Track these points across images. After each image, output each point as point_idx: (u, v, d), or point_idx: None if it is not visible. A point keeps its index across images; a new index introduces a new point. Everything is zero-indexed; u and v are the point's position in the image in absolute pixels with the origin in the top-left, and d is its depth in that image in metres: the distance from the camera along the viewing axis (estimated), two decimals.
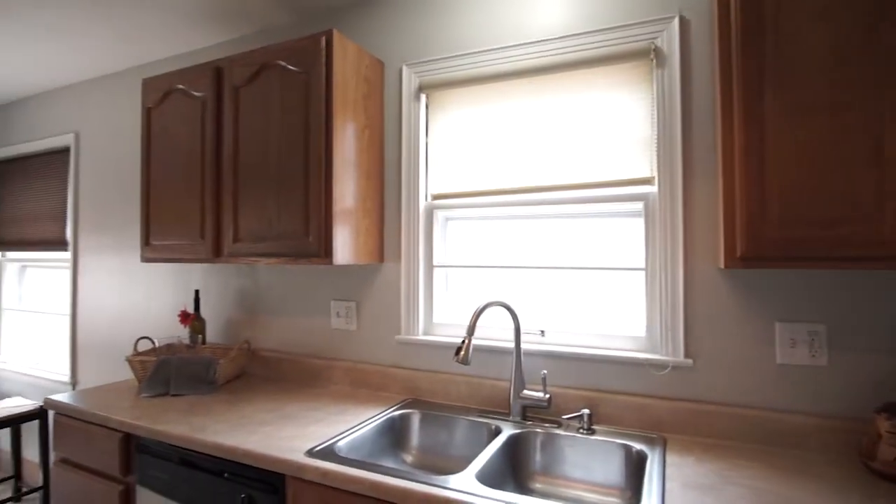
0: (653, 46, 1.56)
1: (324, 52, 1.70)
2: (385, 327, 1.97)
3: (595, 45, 1.64)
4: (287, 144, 1.76)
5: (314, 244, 1.68)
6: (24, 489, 2.92)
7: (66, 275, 3.18)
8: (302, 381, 2.11)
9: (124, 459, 1.65)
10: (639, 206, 1.62)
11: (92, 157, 2.96)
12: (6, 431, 3.32)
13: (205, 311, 2.44)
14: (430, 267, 1.92)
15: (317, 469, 1.24)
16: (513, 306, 1.60)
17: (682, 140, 1.53)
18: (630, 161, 1.60)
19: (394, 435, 1.65)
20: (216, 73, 1.95)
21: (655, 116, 1.56)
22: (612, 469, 1.41)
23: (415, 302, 1.90)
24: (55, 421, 1.84)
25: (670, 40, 1.54)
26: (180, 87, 2.04)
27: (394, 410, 1.70)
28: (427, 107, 1.93)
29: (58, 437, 1.84)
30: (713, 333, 1.48)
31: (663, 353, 1.53)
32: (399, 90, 1.97)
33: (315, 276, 2.14)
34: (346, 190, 1.76)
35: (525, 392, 1.58)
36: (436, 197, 1.91)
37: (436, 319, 1.91)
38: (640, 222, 1.64)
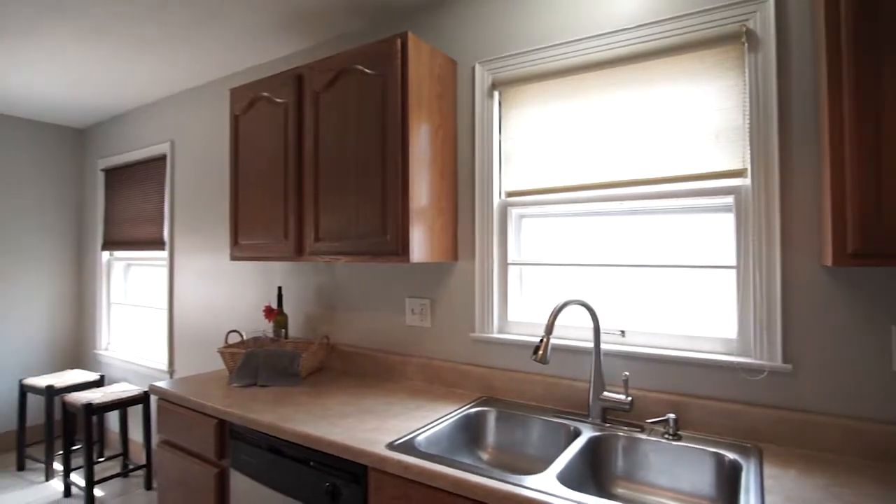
0: (744, 29, 1.45)
1: (399, 54, 1.73)
2: (459, 325, 1.98)
3: (677, 31, 1.55)
4: (365, 146, 1.81)
5: (392, 243, 1.72)
6: (131, 466, 3.22)
7: (164, 272, 3.47)
8: (378, 376, 2.17)
9: (219, 444, 1.78)
10: (728, 200, 1.53)
11: (185, 162, 3.20)
12: (115, 413, 3.68)
13: (286, 307, 2.57)
14: (504, 265, 1.91)
15: (398, 462, 1.27)
16: (592, 305, 1.55)
17: (779, 128, 1.42)
18: (717, 153, 1.51)
19: (470, 432, 1.66)
20: (297, 79, 2.04)
21: (748, 104, 1.46)
22: (701, 478, 1.34)
23: (489, 300, 1.90)
24: (159, 406, 2.01)
25: (764, 21, 1.43)
26: (265, 94, 2.15)
27: (470, 408, 1.70)
28: (500, 104, 1.92)
29: (161, 421, 2.00)
30: (816, 336, 1.36)
31: (757, 357, 1.43)
32: (472, 88, 1.97)
33: (390, 274, 2.19)
34: (422, 189, 1.79)
35: (605, 394, 1.53)
36: (510, 194, 1.90)
37: (510, 318, 1.90)
38: (729, 217, 1.54)
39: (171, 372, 3.25)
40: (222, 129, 2.96)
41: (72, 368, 4.06)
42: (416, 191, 1.76)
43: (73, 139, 4.12)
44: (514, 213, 1.92)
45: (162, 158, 3.39)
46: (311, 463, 1.49)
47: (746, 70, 1.46)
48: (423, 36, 2.12)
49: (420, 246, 1.77)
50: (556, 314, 1.46)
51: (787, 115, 1.41)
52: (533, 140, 1.84)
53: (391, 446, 1.35)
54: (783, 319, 1.40)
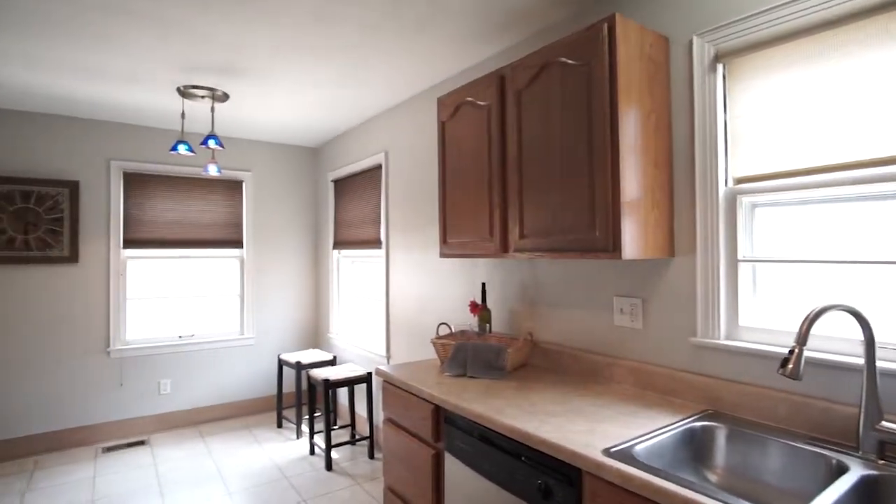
0: None
1: (606, 40, 1.64)
2: (676, 328, 1.80)
3: None
4: (569, 139, 1.76)
5: (601, 238, 1.64)
6: (357, 436, 3.71)
7: (381, 268, 3.91)
8: (582, 376, 2.10)
9: (435, 427, 1.92)
10: None
11: (397, 170, 3.55)
12: (344, 389, 4.28)
13: (489, 302, 2.66)
14: (732, 261, 1.67)
15: (618, 471, 1.20)
16: (862, 312, 1.26)
17: None
18: None
19: (694, 448, 1.49)
20: (499, 81, 2.08)
21: None
22: None
23: (714, 301, 1.68)
24: (384, 387, 2.26)
25: None
26: (468, 99, 2.25)
27: (693, 420, 1.53)
28: (724, 78, 1.69)
29: (385, 401, 2.24)
30: None
31: None
32: (689, 65, 1.77)
33: (595, 271, 2.10)
34: (633, 180, 1.66)
35: (884, 423, 1.23)
36: (739, 181, 1.65)
37: (741, 322, 1.65)
38: None
39: (387, 357, 3.65)
40: (429, 137, 3.20)
41: (312, 348, 4.86)
42: (627, 182, 1.64)
43: (310, 156, 4.93)
44: (744, 201, 1.67)
45: (378, 168, 3.83)
46: (523, 458, 1.51)
47: None
48: (630, 14, 1.97)
49: (632, 241, 1.65)
50: (811, 321, 1.21)
51: None
52: (769, 115, 1.57)
53: (608, 453, 1.29)
54: None
